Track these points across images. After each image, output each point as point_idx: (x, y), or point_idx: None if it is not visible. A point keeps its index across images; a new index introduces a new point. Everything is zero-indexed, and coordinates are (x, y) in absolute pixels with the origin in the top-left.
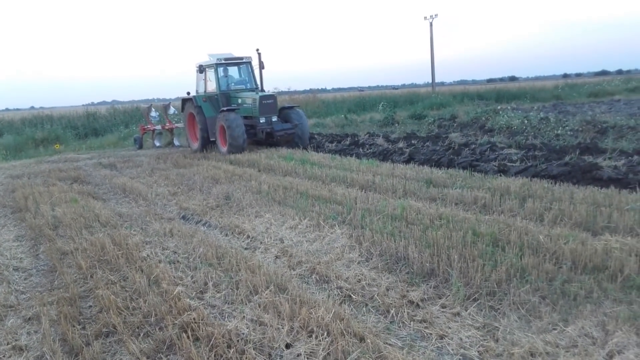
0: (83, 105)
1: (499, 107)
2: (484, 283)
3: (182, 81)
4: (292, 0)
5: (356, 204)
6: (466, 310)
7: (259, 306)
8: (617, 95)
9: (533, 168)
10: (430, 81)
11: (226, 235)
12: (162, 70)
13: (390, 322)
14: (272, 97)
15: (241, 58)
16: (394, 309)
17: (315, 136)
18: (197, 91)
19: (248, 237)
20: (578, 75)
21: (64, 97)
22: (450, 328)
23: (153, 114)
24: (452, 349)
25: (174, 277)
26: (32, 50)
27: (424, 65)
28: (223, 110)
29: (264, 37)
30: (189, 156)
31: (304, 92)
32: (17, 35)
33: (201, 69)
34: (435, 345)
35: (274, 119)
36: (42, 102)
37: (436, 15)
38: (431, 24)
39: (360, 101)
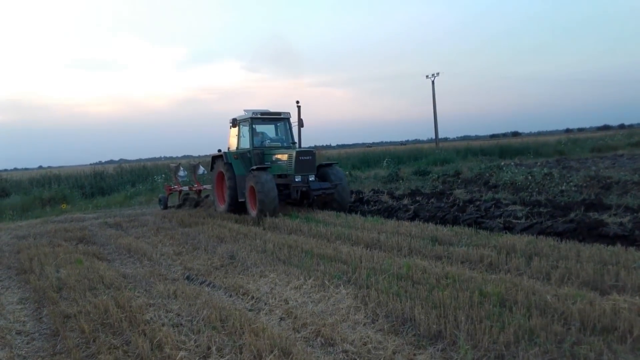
0: (91, 164)
1: (502, 163)
2: (492, 346)
3: (189, 141)
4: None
5: (361, 262)
6: None
7: None
8: (620, 150)
9: (538, 225)
10: (433, 137)
11: (230, 296)
12: (168, 129)
13: None
14: (310, 153)
15: (279, 114)
16: None
17: None
18: (228, 147)
19: (252, 297)
20: (580, 130)
21: (72, 156)
22: None
23: (181, 173)
24: None
25: (177, 342)
26: (41, 109)
27: (427, 121)
28: (253, 169)
29: (266, 92)
30: (194, 215)
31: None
32: (26, 92)
33: (234, 123)
34: None
35: (311, 177)
36: (50, 161)
37: (438, 74)
38: (433, 82)
39: (365, 157)
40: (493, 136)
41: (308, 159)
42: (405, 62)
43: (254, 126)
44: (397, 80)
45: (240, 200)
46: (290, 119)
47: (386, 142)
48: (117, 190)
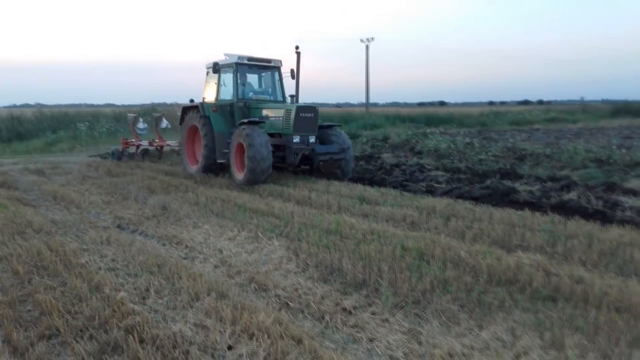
0: (4, 106)
1: (428, 131)
2: (410, 293)
3: (113, 88)
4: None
5: (293, 218)
6: (394, 317)
7: (201, 311)
8: (537, 125)
9: (457, 190)
10: (364, 101)
11: (164, 245)
12: (90, 73)
13: (325, 327)
14: (312, 109)
15: (269, 61)
16: (328, 315)
17: None
18: (203, 98)
19: (186, 247)
20: (503, 103)
21: None
22: (379, 332)
23: (140, 125)
24: (381, 351)
25: (116, 284)
26: None
27: (359, 85)
28: (243, 123)
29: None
30: (122, 165)
31: None
32: None
33: (216, 69)
34: (366, 347)
35: (312, 139)
36: None
37: (372, 38)
38: (367, 47)
39: None
40: (421, 104)
41: (310, 116)
42: (342, 25)
43: (239, 74)
44: (333, 42)
45: (219, 161)
46: (281, 67)
47: (320, 104)
48: (36, 136)
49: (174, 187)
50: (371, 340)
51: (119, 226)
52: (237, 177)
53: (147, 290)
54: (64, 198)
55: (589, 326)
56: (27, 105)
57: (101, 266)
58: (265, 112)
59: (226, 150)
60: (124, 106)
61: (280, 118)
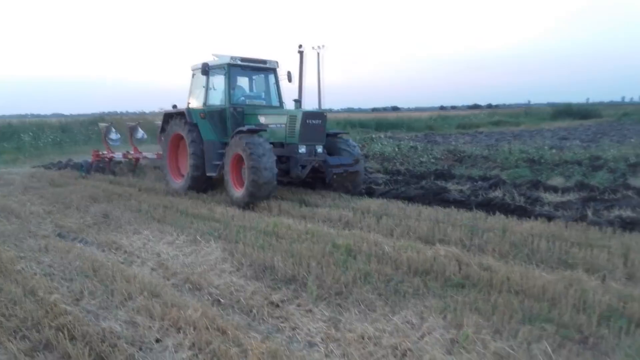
0: None
1: (374, 136)
2: (334, 285)
3: (61, 96)
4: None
5: (233, 221)
6: (317, 307)
7: (133, 310)
8: (482, 128)
9: (395, 190)
10: (318, 108)
11: (103, 250)
12: (35, 83)
13: (252, 320)
14: (320, 115)
15: (264, 62)
16: (256, 309)
17: None
18: (189, 103)
19: (125, 252)
20: (454, 107)
21: None
22: (302, 322)
23: (113, 136)
24: (301, 338)
25: (50, 287)
26: None
27: (313, 92)
28: (241, 132)
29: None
30: (65, 175)
31: None
32: None
33: (205, 71)
34: (288, 335)
35: (319, 149)
36: None
37: (323, 45)
38: (318, 54)
39: None
40: (375, 109)
41: (317, 123)
42: (292, 33)
43: (231, 76)
44: (286, 50)
45: (208, 174)
46: (278, 69)
47: None
48: None
49: (117, 195)
50: (294, 329)
51: (59, 235)
52: (235, 193)
53: (82, 292)
54: (4, 209)
55: (488, 307)
56: None
57: (37, 272)
58: (262, 119)
59: (217, 162)
60: (72, 116)
61: (283, 125)
